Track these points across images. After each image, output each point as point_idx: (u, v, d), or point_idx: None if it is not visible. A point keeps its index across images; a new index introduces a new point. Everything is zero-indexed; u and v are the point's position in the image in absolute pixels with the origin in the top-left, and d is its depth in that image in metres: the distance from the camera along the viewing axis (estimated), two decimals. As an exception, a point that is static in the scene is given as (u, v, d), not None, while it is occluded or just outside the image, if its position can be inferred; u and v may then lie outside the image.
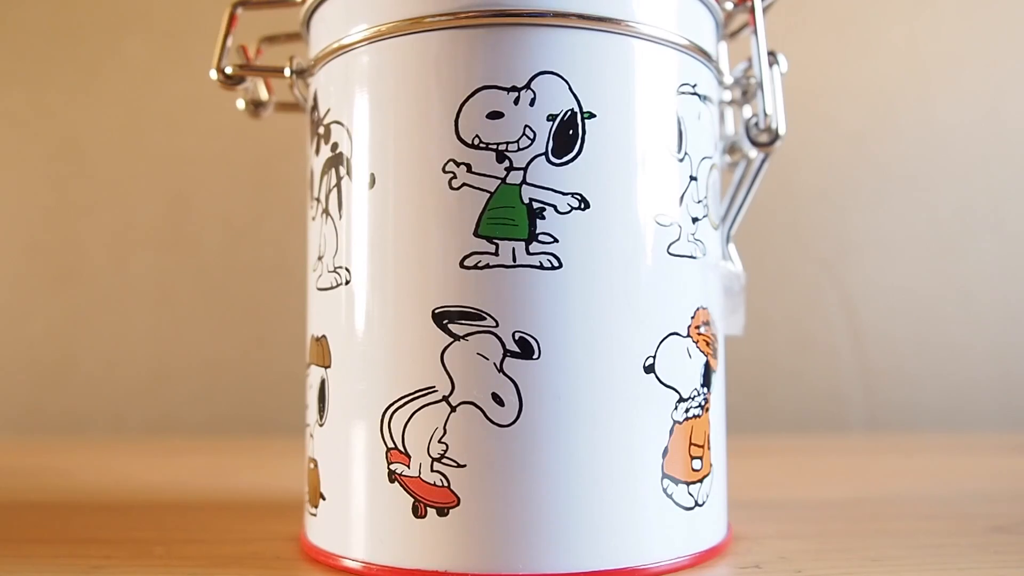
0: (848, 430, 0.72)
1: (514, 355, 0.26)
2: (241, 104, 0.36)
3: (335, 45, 0.30)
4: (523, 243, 0.26)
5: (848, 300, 0.73)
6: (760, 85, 0.32)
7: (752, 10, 0.33)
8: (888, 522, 0.36)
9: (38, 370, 0.73)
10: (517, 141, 0.27)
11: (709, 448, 0.30)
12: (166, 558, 0.31)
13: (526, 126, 0.27)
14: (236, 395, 0.71)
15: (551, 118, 0.27)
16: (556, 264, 0.26)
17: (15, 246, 0.74)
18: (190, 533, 0.34)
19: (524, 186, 0.27)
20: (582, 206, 0.27)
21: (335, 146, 0.30)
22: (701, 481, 0.29)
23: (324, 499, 0.30)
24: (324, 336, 0.30)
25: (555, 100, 0.27)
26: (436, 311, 0.27)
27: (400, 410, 0.27)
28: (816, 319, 0.73)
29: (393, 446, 0.27)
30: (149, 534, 0.34)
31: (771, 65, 0.33)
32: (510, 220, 0.27)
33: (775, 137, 0.33)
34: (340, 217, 0.30)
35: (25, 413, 0.73)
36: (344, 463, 0.29)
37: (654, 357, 0.27)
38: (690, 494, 0.29)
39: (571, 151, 0.27)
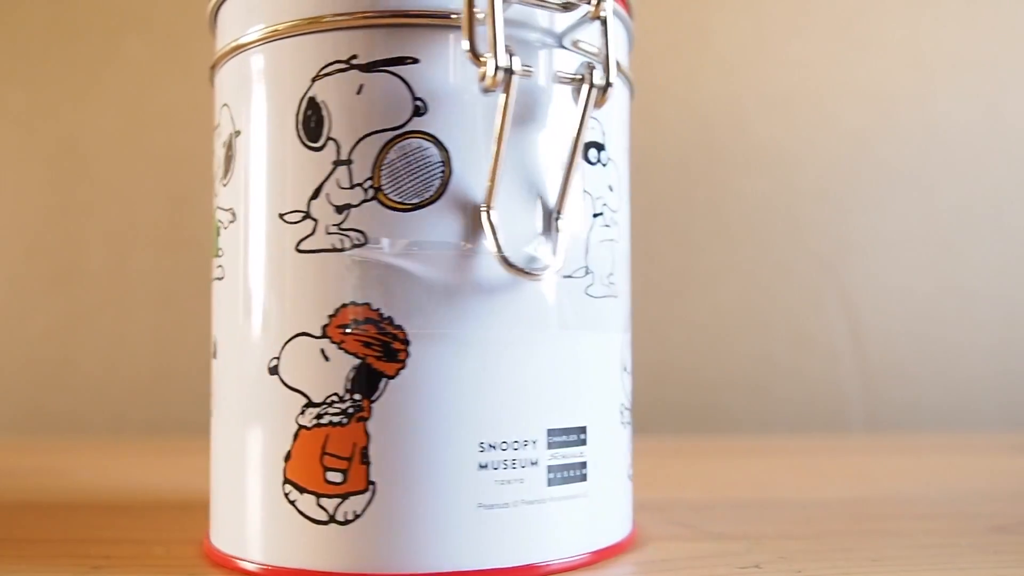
0: (848, 430, 0.72)
1: (214, 355, 0.31)
2: None
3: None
4: (214, 259, 0.31)
5: (848, 299, 0.73)
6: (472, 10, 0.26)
7: None
8: (888, 522, 0.36)
9: (38, 370, 0.73)
10: (217, 171, 0.31)
11: (367, 464, 0.26)
12: (166, 558, 0.31)
13: (216, 156, 0.31)
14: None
15: (224, 145, 0.30)
16: (221, 275, 0.30)
17: (15, 246, 0.74)
18: (190, 533, 0.34)
19: (216, 209, 0.31)
20: (232, 219, 0.29)
21: None
22: (343, 497, 0.26)
23: None
24: None
25: (225, 128, 0.30)
26: None
27: None
28: (816, 318, 0.73)
29: None
30: (149, 534, 0.34)
31: None
32: (213, 239, 0.31)
33: (492, 75, 0.25)
34: None
35: (25, 413, 0.73)
36: None
37: (278, 358, 0.27)
38: (321, 507, 0.27)
39: (230, 170, 0.30)
